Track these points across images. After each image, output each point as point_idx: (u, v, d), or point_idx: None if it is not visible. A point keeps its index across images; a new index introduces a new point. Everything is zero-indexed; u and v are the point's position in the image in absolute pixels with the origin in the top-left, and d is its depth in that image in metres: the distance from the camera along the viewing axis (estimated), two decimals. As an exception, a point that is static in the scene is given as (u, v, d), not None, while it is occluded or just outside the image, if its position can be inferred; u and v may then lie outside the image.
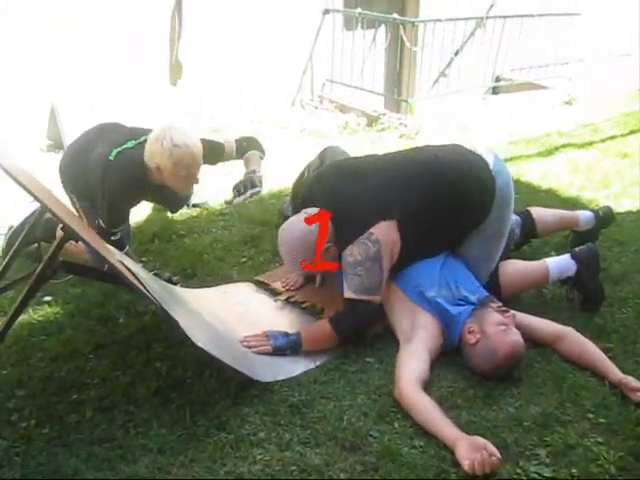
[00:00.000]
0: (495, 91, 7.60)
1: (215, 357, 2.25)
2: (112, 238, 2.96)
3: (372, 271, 2.64)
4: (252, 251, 3.57)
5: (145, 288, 2.23)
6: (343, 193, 2.81)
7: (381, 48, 6.85)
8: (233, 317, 2.91)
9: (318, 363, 2.61)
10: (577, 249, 2.99)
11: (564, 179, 4.75)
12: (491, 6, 7.43)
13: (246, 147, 3.32)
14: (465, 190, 2.80)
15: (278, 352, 2.64)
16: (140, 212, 3.87)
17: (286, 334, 2.69)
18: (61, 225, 2.70)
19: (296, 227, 2.75)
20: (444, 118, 6.39)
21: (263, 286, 3.18)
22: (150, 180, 2.96)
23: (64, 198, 3.15)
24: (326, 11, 6.63)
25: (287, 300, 3.04)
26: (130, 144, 2.98)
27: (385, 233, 2.66)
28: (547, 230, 3.38)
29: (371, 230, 2.64)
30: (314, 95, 6.85)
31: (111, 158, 2.91)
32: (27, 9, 4.95)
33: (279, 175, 4.67)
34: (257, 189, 3.20)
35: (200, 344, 2.18)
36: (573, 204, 4.14)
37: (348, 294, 2.68)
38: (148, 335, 2.73)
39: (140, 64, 5.57)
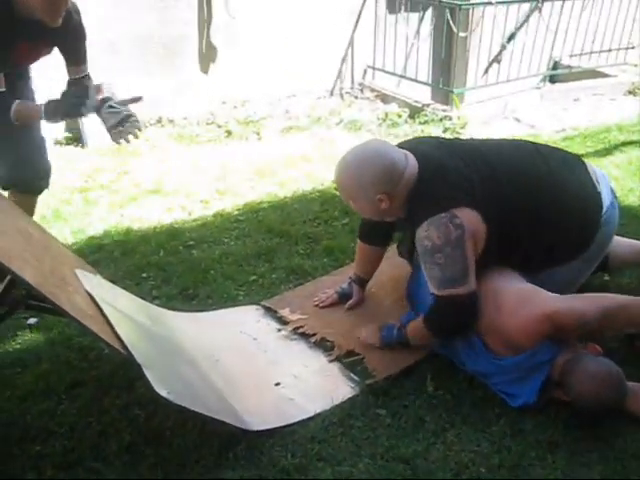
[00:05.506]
0: (552, 79, 7.02)
1: (188, 408, 1.91)
2: None
3: (453, 258, 2.21)
4: (264, 267, 3.19)
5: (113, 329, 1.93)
6: (432, 158, 2.38)
7: (427, 33, 6.36)
8: (232, 345, 2.61)
9: (319, 410, 2.25)
10: None
11: (623, 184, 4.24)
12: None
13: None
14: (564, 220, 2.42)
15: (387, 346, 2.52)
16: (146, 217, 3.57)
17: (400, 328, 2.51)
18: None
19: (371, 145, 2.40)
20: (494, 110, 5.93)
21: (270, 312, 2.83)
22: (16, 10, 2.37)
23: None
24: (368, -7, 6.17)
25: (294, 330, 2.70)
26: None
27: (471, 221, 2.24)
28: (620, 263, 2.87)
29: (456, 212, 2.23)
30: (354, 83, 6.43)
31: None
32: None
33: (305, 176, 4.33)
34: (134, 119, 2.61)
35: (165, 393, 1.87)
36: (633, 216, 3.65)
37: (432, 289, 2.30)
38: (131, 371, 2.39)
39: (169, 51, 5.27)
